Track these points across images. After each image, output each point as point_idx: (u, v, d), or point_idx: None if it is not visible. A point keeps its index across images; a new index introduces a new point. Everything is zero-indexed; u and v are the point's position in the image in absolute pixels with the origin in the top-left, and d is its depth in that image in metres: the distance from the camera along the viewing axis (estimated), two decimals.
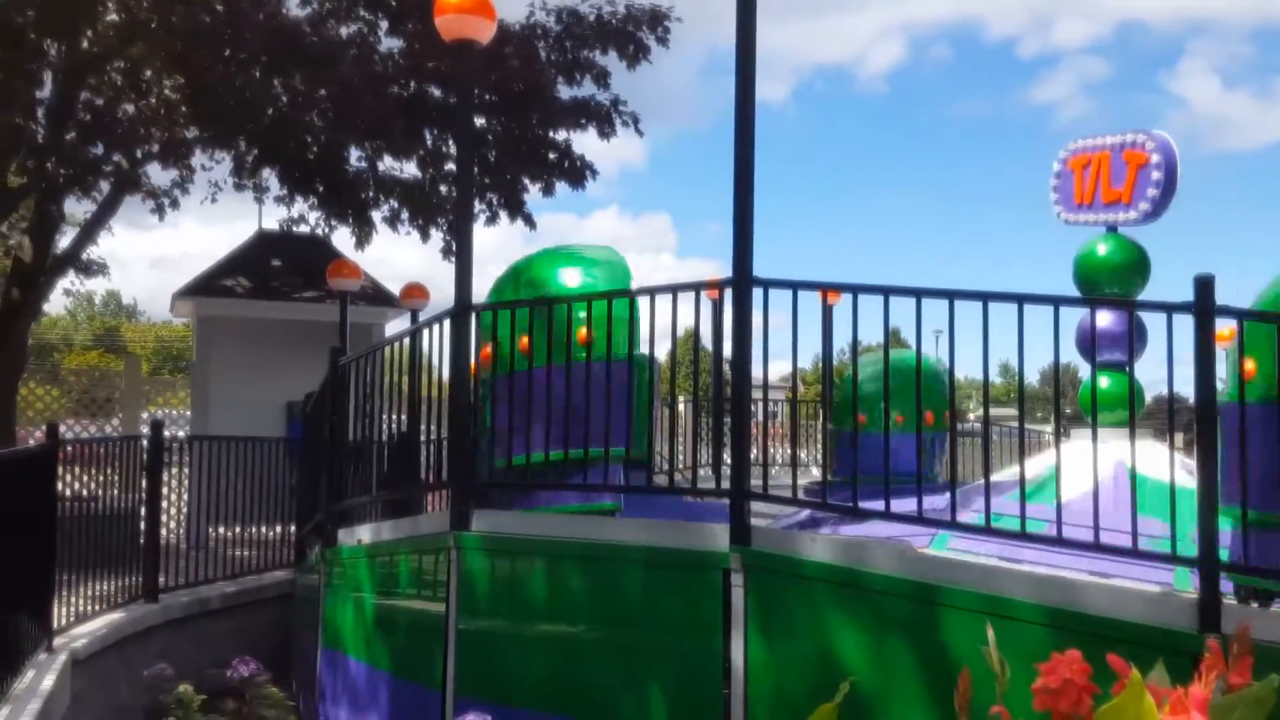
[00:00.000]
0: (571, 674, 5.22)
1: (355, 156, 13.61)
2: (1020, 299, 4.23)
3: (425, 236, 13.85)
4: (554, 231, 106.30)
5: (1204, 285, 3.84)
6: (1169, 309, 4.01)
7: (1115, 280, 6.90)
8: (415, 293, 11.23)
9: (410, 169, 13.87)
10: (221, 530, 9.68)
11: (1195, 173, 79.37)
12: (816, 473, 10.60)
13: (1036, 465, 6.02)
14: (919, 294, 4.49)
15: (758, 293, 4.83)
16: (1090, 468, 4.30)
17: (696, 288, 5.11)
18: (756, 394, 5.53)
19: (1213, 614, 3.74)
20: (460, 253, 5.89)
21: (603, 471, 5.48)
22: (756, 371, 4.95)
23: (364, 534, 6.98)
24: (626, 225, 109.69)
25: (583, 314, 5.54)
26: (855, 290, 4.61)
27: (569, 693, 5.19)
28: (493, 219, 13.75)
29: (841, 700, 2.13)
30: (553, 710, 5.20)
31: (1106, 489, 5.22)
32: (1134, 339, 4.67)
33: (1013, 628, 3.94)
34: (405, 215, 13.92)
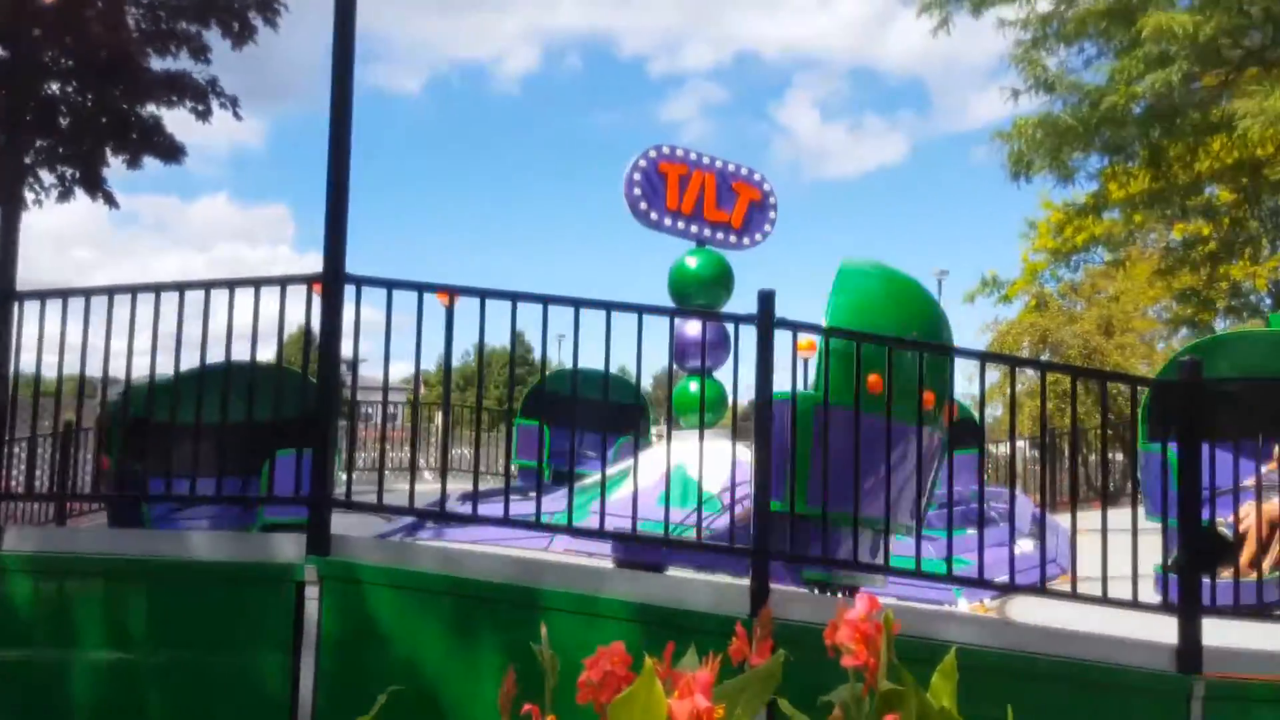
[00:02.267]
0: (124, 702, 4.74)
1: None
2: (639, 309, 4.47)
3: None
4: (153, 215, 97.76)
5: (765, 299, 4.20)
6: (736, 319, 4.34)
7: (703, 292, 7.41)
8: None
9: None
10: None
11: (798, 199, 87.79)
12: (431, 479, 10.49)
13: (622, 465, 6.33)
14: (545, 300, 4.58)
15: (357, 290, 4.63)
16: (661, 467, 4.56)
17: (282, 282, 4.83)
18: (368, 395, 5.35)
19: (761, 599, 4.06)
20: (5, 230, 5.19)
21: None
22: (374, 372, 4.78)
23: None
24: (238, 214, 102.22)
25: None
26: (479, 294, 4.59)
27: None
28: (66, 194, 12.35)
29: (378, 711, 2.06)
30: None
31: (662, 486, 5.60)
32: (705, 347, 5.01)
33: (593, 624, 4.09)
34: None
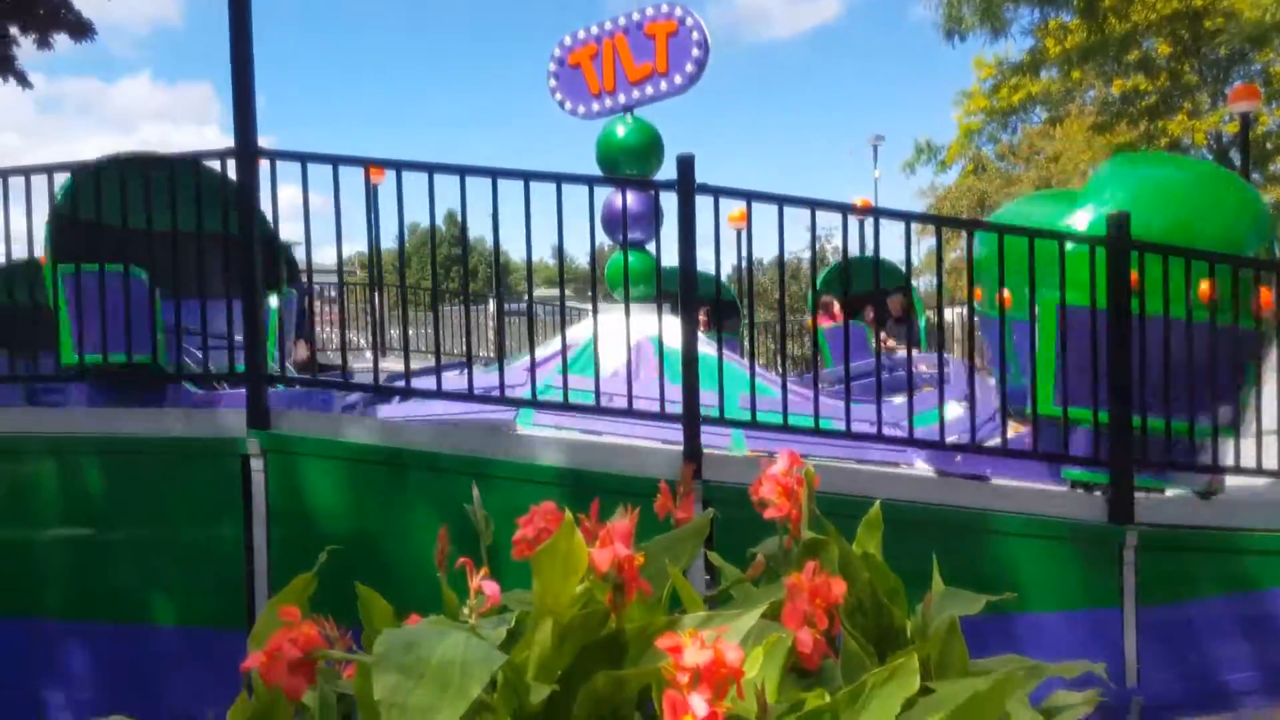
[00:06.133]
0: (86, 577, 4.84)
1: None
2: (558, 178, 4.41)
3: None
4: (77, 97, 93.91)
5: (684, 164, 4.19)
6: (657, 186, 4.34)
7: (633, 161, 7.35)
8: None
9: None
10: None
11: (736, 64, 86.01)
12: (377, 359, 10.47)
13: (575, 338, 6.37)
14: (463, 171, 4.51)
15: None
16: (622, 342, 4.60)
17: (195, 157, 4.74)
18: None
19: (694, 462, 4.20)
20: None
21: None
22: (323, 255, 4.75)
23: None
24: (162, 93, 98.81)
25: None
26: (395, 166, 4.52)
27: (86, 596, 4.82)
28: None
29: (319, 569, 2.15)
30: (71, 616, 4.82)
31: (638, 359, 5.66)
32: (626, 216, 5.00)
33: (529, 490, 4.21)
34: None
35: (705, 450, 4.32)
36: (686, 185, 4.21)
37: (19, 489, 4.93)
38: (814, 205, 4.53)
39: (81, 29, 11.88)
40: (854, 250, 10.76)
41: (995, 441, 4.63)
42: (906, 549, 2.48)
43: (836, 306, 10.94)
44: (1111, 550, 4.45)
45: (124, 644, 4.73)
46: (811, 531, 2.30)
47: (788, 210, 4.49)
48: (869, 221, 4.88)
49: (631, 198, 6.76)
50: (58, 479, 4.85)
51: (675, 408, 4.37)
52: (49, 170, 4.88)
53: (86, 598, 4.84)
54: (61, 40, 11.96)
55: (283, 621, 1.91)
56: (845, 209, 4.64)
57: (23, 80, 12.07)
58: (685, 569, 2.30)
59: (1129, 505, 4.44)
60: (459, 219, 6.88)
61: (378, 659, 1.61)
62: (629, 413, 4.42)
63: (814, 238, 4.58)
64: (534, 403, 4.57)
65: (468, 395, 4.71)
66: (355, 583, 2.19)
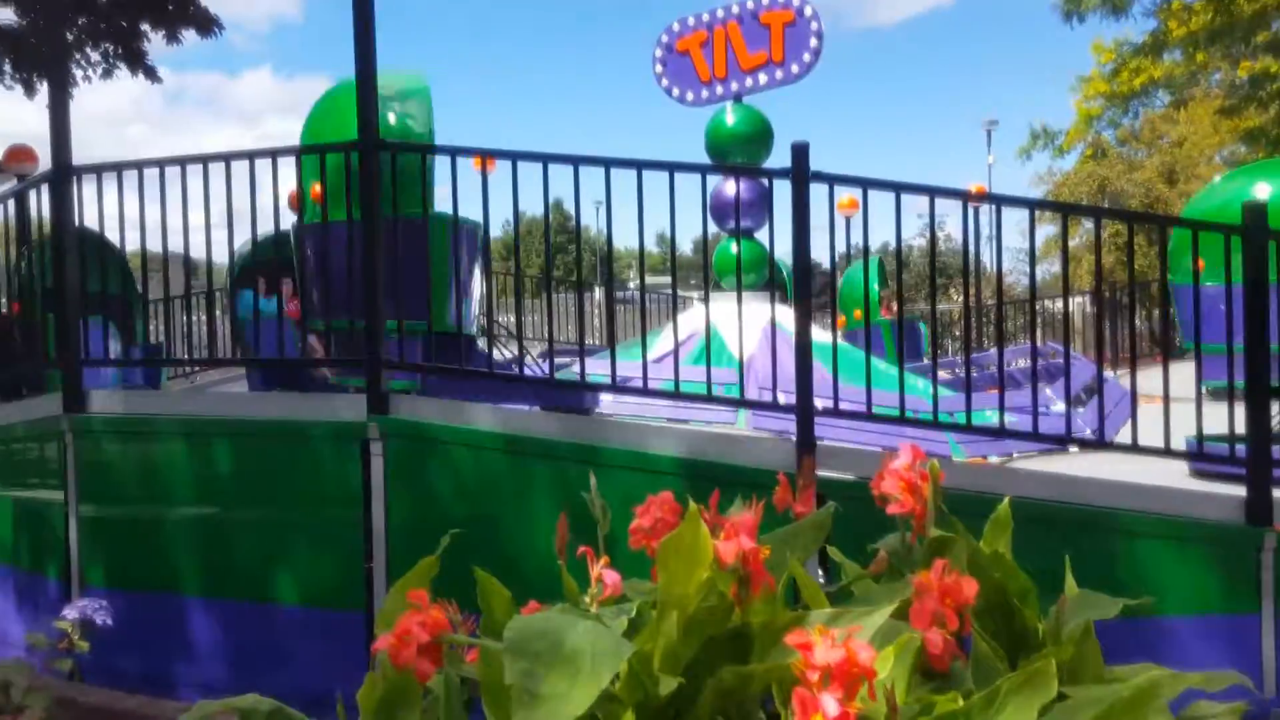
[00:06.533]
0: (213, 555, 5.03)
1: None
2: (671, 166, 4.39)
3: (30, 91, 12.24)
4: (200, 90, 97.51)
5: (799, 152, 4.14)
6: (770, 174, 4.29)
7: (743, 149, 7.28)
8: (20, 155, 9.98)
9: (9, 14, 12.14)
10: None
11: (840, 49, 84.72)
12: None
13: (687, 328, 6.36)
14: (576, 161, 4.52)
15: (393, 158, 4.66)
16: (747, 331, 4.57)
17: (322, 150, 4.87)
18: None
19: (808, 454, 4.15)
20: (55, 106, 5.24)
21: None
22: None
23: None
24: (281, 87, 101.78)
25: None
26: (510, 156, 4.56)
27: (212, 573, 5.01)
28: (109, 71, 12.36)
29: (442, 553, 2.19)
30: (198, 592, 5.02)
31: (764, 347, 5.62)
32: (739, 204, 4.96)
33: (644, 479, 4.21)
34: (8, 66, 12.22)
35: (818, 442, 4.28)
36: (801, 173, 4.15)
37: (154, 469, 5.15)
38: (932, 192, 4.43)
39: (208, 24, 12.29)
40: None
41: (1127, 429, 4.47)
42: (1032, 548, 2.41)
43: (893, 301, 10.84)
44: (1249, 553, 4.26)
45: (247, 621, 4.90)
46: (938, 529, 2.25)
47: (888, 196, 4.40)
48: (984, 208, 4.73)
49: (743, 185, 6.73)
50: (190, 460, 5.05)
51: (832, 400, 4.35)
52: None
53: (214, 575, 5.02)
54: (188, 35, 12.41)
55: (410, 604, 1.95)
56: (965, 195, 4.53)
57: (152, 74, 12.55)
58: (803, 563, 2.27)
59: (1268, 506, 4.25)
60: (564, 208, 6.90)
61: (509, 645, 1.62)
62: (772, 406, 4.39)
63: (932, 225, 4.49)
64: (675, 395, 4.54)
65: (611, 386, 4.67)
66: (473, 567, 2.22)
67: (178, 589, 5.01)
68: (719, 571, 1.92)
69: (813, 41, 6.77)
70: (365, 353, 4.68)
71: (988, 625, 2.07)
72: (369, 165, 4.56)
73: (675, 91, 7.13)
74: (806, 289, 4.27)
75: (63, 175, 5.13)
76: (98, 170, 5.23)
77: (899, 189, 4.32)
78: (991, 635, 2.02)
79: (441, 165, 4.82)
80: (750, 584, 1.94)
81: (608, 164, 4.48)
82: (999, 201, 4.59)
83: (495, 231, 26.42)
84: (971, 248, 4.50)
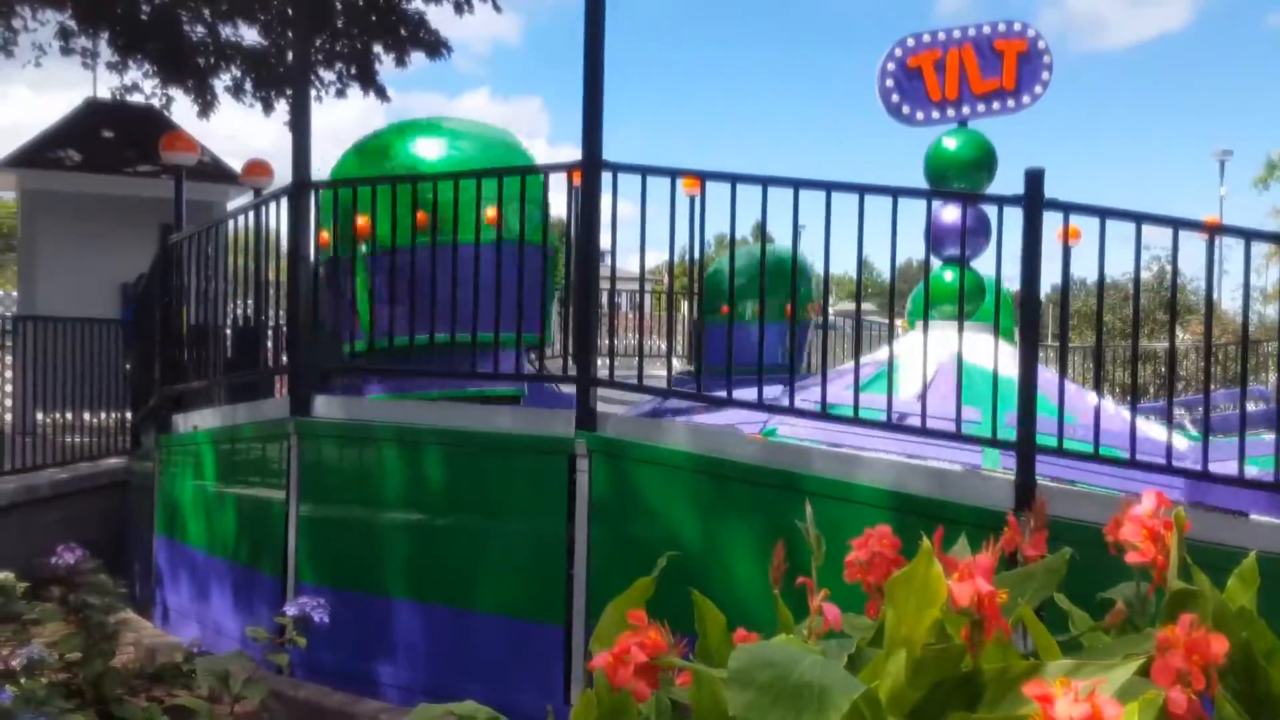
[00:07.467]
0: (418, 559, 5.21)
1: (191, 19, 12.77)
2: (895, 191, 4.30)
3: (269, 108, 13.20)
4: (422, 110, 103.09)
5: (1033, 178, 3.94)
6: (1000, 201, 4.10)
7: (963, 176, 7.04)
8: (258, 170, 10.66)
9: (254, 36, 13.14)
10: (55, 416, 9.24)
11: (1066, 73, 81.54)
12: (678, 364, 10.71)
13: (883, 355, 6.20)
14: (765, 181, 4.49)
15: (608, 178, 4.73)
16: (927, 359, 4.45)
17: (546, 170, 4.99)
18: (621, 284, 5.53)
19: (1026, 493, 3.94)
20: (297, 123, 5.59)
21: (497, 357, 5.44)
22: (623, 263, 4.93)
23: (201, 420, 6.75)
24: (498, 107, 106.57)
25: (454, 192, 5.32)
26: (729, 179, 4.55)
27: (416, 577, 5.18)
28: (343, 91, 13.18)
29: (658, 574, 2.17)
30: (401, 595, 5.20)
31: (942, 378, 5.43)
32: (965, 232, 4.75)
33: (849, 509, 4.10)
34: (249, 85, 13.21)
35: (1040, 481, 4.05)
36: (1035, 201, 3.95)
37: (369, 473, 5.38)
38: (1176, 224, 4.13)
39: (437, 48, 12.94)
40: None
41: None
42: (1276, 605, 2.20)
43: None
44: None
45: (447, 626, 5.04)
46: (1179, 580, 2.08)
47: (1111, 226, 4.13)
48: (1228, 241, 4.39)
49: (955, 212, 6.50)
50: (402, 466, 5.26)
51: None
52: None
53: (418, 578, 5.19)
54: (416, 58, 13.10)
55: (628, 624, 1.94)
56: (1213, 230, 4.22)
57: (382, 94, 13.32)
58: (1036, 610, 2.14)
59: None
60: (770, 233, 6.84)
61: (734, 674, 1.58)
62: (956, 436, 4.22)
63: (1175, 258, 4.19)
64: (889, 425, 4.42)
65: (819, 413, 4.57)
66: (690, 590, 2.18)
67: (384, 590, 5.21)
68: (948, 613, 1.83)
69: (1045, 75, 6.58)
70: (577, 370, 4.75)
71: (1230, 686, 1.91)
72: (591, 183, 4.65)
73: (905, 109, 6.93)
74: (1034, 321, 4.06)
75: (301, 189, 5.46)
76: (334, 186, 5.54)
77: (1139, 219, 4.06)
78: (1234, 696, 1.85)
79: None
80: (984, 628, 1.83)
81: (796, 184, 4.47)
82: (1249, 236, 4.24)
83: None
84: (1213, 283, 4.18)
